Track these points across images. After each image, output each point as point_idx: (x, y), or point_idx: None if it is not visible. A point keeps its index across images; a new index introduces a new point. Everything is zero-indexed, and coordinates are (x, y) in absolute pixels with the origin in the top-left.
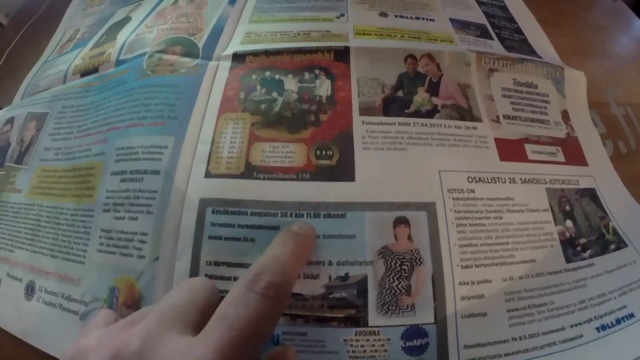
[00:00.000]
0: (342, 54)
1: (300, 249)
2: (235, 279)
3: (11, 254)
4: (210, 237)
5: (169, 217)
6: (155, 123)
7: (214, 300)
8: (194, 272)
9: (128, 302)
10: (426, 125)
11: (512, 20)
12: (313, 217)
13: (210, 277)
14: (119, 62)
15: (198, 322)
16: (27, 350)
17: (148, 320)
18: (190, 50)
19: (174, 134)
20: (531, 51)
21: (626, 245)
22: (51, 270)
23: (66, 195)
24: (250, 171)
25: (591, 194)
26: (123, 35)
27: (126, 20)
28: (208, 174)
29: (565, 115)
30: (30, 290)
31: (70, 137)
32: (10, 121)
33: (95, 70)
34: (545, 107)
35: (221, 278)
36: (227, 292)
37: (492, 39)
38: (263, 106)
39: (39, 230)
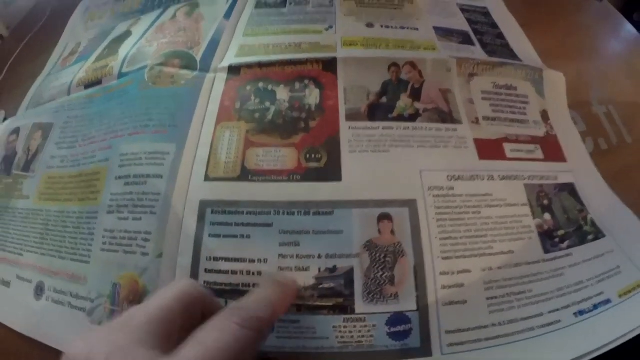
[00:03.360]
0: (330, 64)
1: (279, 294)
2: (233, 272)
3: (20, 257)
4: (210, 235)
5: (172, 217)
6: (158, 131)
7: (194, 305)
8: (195, 266)
9: (130, 297)
10: (408, 128)
11: (494, 25)
12: (303, 214)
13: (210, 271)
14: (121, 75)
15: (172, 335)
16: (26, 344)
17: (120, 334)
18: (188, 63)
19: (175, 141)
20: (512, 55)
21: (604, 236)
22: (59, 271)
23: (72, 200)
24: (245, 174)
25: (570, 189)
26: (124, 49)
27: (127, 34)
28: (207, 178)
29: (544, 114)
30: (39, 290)
31: (75, 145)
32: (16, 131)
33: (98, 82)
34: (525, 108)
35: (220, 272)
36: (226, 284)
37: (474, 44)
38: (257, 115)
39: (47, 233)
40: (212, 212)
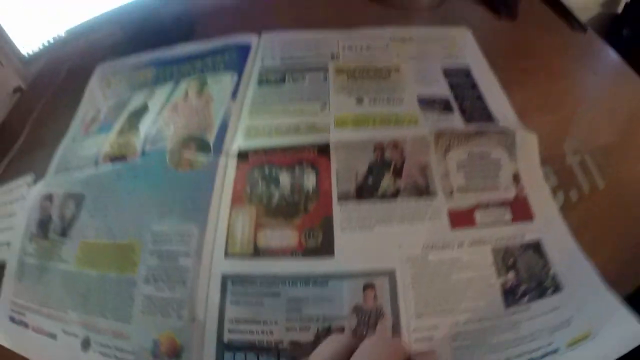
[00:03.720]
0: (324, 149)
1: None
2: (251, 332)
3: (65, 314)
4: (231, 303)
5: (200, 288)
6: (182, 214)
7: None
8: (220, 328)
9: (169, 352)
10: (390, 206)
11: (474, 86)
12: (304, 285)
13: (232, 331)
14: (144, 154)
15: None
16: None
17: None
18: (203, 147)
19: (198, 222)
20: (489, 117)
21: (561, 290)
22: (104, 328)
23: (110, 268)
24: (257, 252)
25: (535, 246)
26: (144, 126)
27: (144, 109)
28: (227, 254)
29: (516, 176)
30: (86, 344)
31: (107, 217)
32: (49, 198)
33: (123, 157)
34: (497, 173)
35: (240, 332)
36: (245, 342)
37: (453, 112)
38: (264, 199)
39: (89, 295)
40: (232, 283)
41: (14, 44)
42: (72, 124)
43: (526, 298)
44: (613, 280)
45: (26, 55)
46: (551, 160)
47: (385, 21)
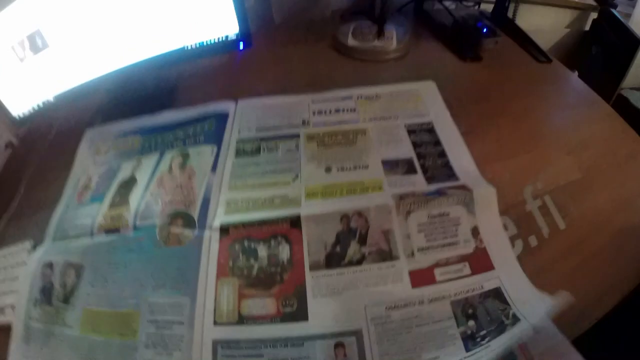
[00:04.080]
0: (296, 222)
1: None
2: None
3: None
4: None
5: (194, 352)
6: (174, 287)
7: None
8: None
9: None
10: (356, 272)
11: (437, 143)
12: (283, 347)
13: None
14: (135, 228)
15: None
16: None
17: None
18: (189, 222)
19: (189, 294)
20: (451, 175)
21: (519, 321)
22: None
23: (113, 334)
24: (241, 319)
25: (495, 293)
26: (134, 200)
27: (133, 181)
28: (215, 322)
29: (475, 230)
30: None
31: (107, 287)
32: (49, 266)
33: (117, 230)
34: (456, 230)
35: None
36: None
37: (416, 172)
38: (245, 271)
39: (94, 358)
40: (222, 348)
41: (4, 107)
42: (65, 189)
43: (486, 340)
44: (574, 319)
45: (17, 117)
46: (511, 209)
47: (356, 74)
